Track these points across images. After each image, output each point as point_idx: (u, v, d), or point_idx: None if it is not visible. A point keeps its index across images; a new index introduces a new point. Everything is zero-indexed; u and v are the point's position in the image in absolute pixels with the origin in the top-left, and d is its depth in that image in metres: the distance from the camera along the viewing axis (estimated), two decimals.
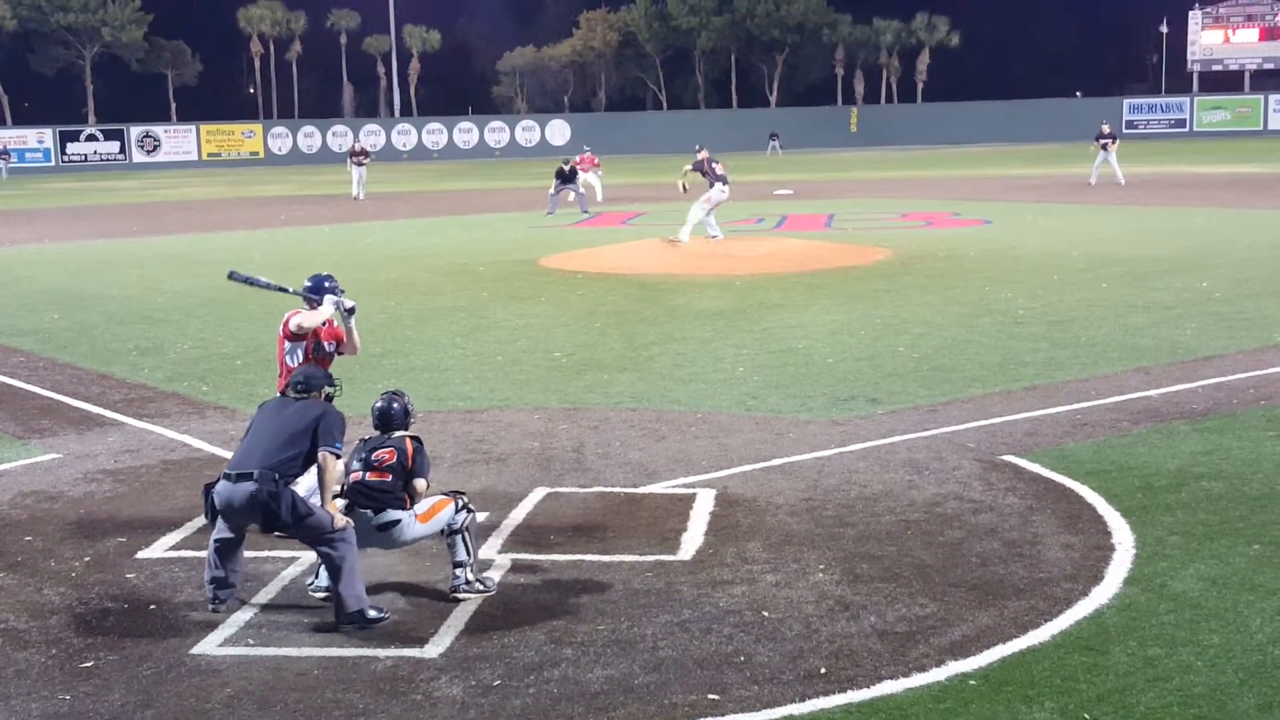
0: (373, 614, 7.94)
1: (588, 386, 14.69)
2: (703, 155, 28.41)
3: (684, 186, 29.23)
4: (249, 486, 7.96)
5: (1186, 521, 9.44)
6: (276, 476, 7.98)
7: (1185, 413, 12.75)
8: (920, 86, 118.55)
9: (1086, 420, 12.52)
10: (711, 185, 28.10)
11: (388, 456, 8.42)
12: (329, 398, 8.67)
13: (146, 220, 42.72)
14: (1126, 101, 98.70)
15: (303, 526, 8.03)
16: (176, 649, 7.60)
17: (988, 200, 41.49)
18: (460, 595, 8.31)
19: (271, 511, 7.97)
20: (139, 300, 22.86)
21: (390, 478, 8.39)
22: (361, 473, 8.41)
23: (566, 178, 40.77)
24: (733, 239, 30.23)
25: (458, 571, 8.39)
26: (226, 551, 8.21)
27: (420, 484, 8.47)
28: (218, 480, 8.17)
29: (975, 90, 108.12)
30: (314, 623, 7.96)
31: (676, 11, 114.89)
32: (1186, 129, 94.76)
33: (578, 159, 44.90)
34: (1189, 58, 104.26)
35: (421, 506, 8.50)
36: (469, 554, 8.42)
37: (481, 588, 8.41)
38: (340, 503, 8.28)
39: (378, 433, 8.68)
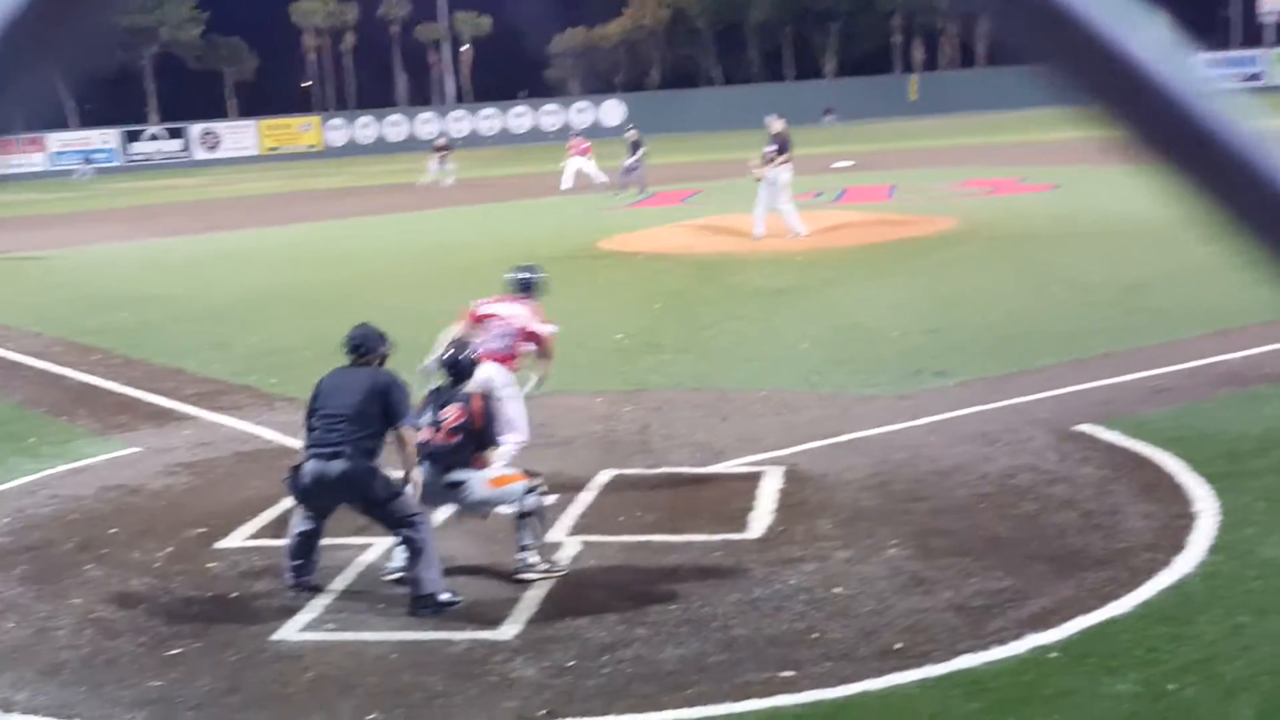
0: (445, 598, 8.04)
1: (649, 368, 14.73)
2: (778, 127, 26.08)
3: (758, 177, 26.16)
4: (341, 464, 8.01)
5: (1273, 487, 9.32)
6: (365, 453, 8.05)
7: (1268, 375, 12.55)
8: (982, 50, 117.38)
9: (1164, 386, 12.37)
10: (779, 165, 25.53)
11: (457, 416, 8.44)
12: (383, 359, 8.67)
13: (210, 217, 43.14)
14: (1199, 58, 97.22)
15: (387, 507, 8.10)
16: (258, 635, 7.73)
17: (1054, 165, 41.06)
18: (524, 577, 8.37)
19: (362, 489, 8.06)
20: (205, 296, 23.11)
21: (459, 439, 8.43)
22: (432, 432, 8.44)
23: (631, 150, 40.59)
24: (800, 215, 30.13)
25: (522, 555, 8.47)
26: (307, 543, 8.34)
27: (500, 446, 8.61)
28: (303, 461, 8.22)
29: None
30: (391, 607, 8.07)
31: None
32: (1261, 83, 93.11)
33: (569, 145, 44.32)
34: (1259, 9, 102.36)
35: (494, 471, 8.58)
36: (535, 538, 8.51)
37: (548, 568, 8.48)
38: (417, 471, 8.33)
39: (449, 379, 8.74)
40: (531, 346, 10.46)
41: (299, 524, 8.35)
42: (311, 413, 8.37)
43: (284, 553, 8.46)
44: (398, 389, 8.31)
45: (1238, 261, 0.72)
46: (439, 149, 51.11)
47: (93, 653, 7.64)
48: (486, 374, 9.86)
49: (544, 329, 10.44)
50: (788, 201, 25.42)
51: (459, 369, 8.81)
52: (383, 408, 8.18)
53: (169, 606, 8.31)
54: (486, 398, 8.71)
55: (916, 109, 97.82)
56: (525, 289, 10.80)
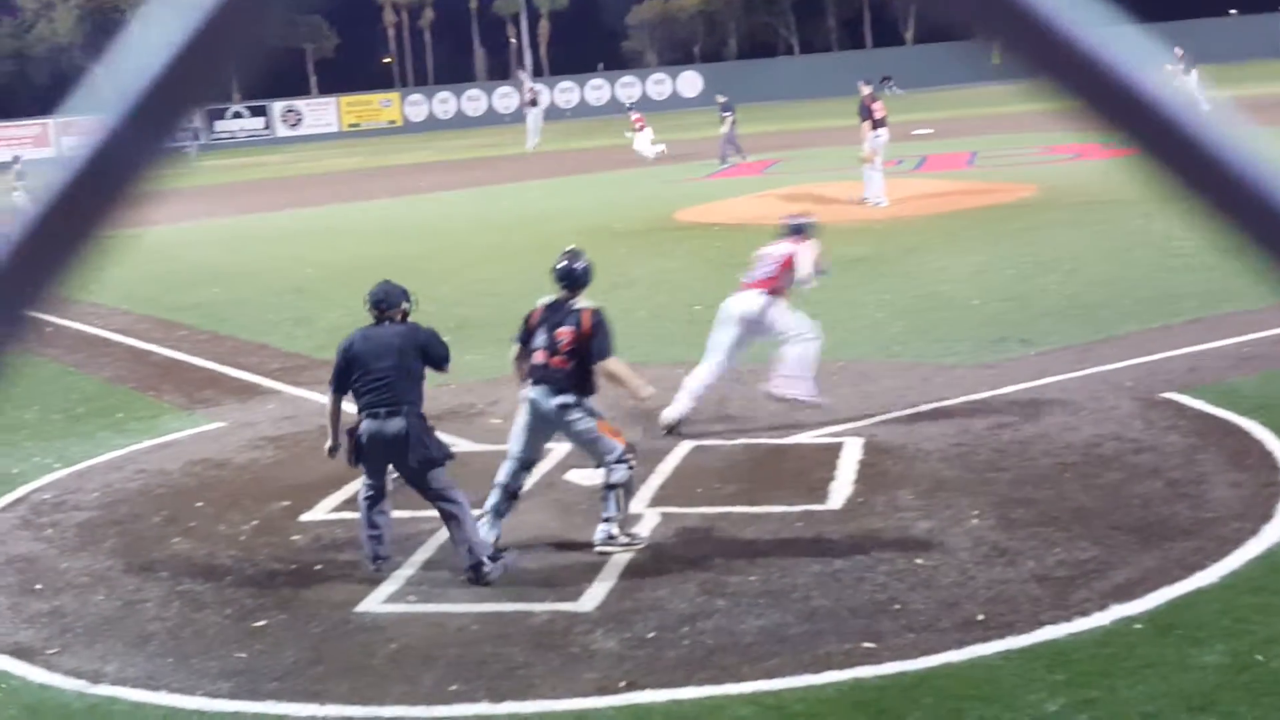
0: (488, 566, 8.04)
1: None
2: (865, 93, 25.30)
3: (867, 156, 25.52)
4: (399, 423, 8.12)
5: None
6: (418, 412, 8.20)
7: None
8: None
9: (1253, 353, 12.12)
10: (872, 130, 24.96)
11: (569, 339, 8.52)
12: (405, 314, 8.73)
13: (292, 193, 43.54)
14: None
15: (430, 473, 8.18)
16: (342, 607, 7.81)
17: None
18: (604, 550, 8.39)
19: (417, 447, 8.16)
20: (289, 272, 23.33)
21: (572, 364, 8.51)
22: (546, 355, 8.53)
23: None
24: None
25: (605, 526, 8.47)
26: (376, 509, 8.34)
27: (612, 364, 8.66)
28: (359, 423, 8.27)
29: (1129, 12, 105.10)
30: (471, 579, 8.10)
31: None
32: None
33: (630, 118, 44.17)
34: None
35: (600, 428, 8.54)
36: (618, 510, 8.50)
37: (628, 540, 8.47)
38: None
39: (564, 292, 8.76)
40: (791, 272, 11.59)
41: (363, 492, 8.42)
42: (346, 376, 8.38)
43: (359, 525, 8.51)
44: (435, 339, 8.57)
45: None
46: (532, 102, 51.55)
47: (180, 624, 7.75)
48: (748, 303, 11.32)
49: (806, 256, 11.69)
50: (873, 164, 25.15)
51: (573, 279, 8.83)
52: (424, 360, 8.39)
53: (254, 579, 8.41)
54: (596, 313, 8.70)
55: (1000, 73, 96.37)
56: (798, 231, 12.14)
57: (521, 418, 8.80)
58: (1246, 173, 0.69)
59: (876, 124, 24.95)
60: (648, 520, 8.90)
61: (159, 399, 14.01)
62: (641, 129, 42.46)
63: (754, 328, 11.25)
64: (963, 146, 39.52)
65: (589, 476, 9.83)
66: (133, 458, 11.69)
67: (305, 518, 9.54)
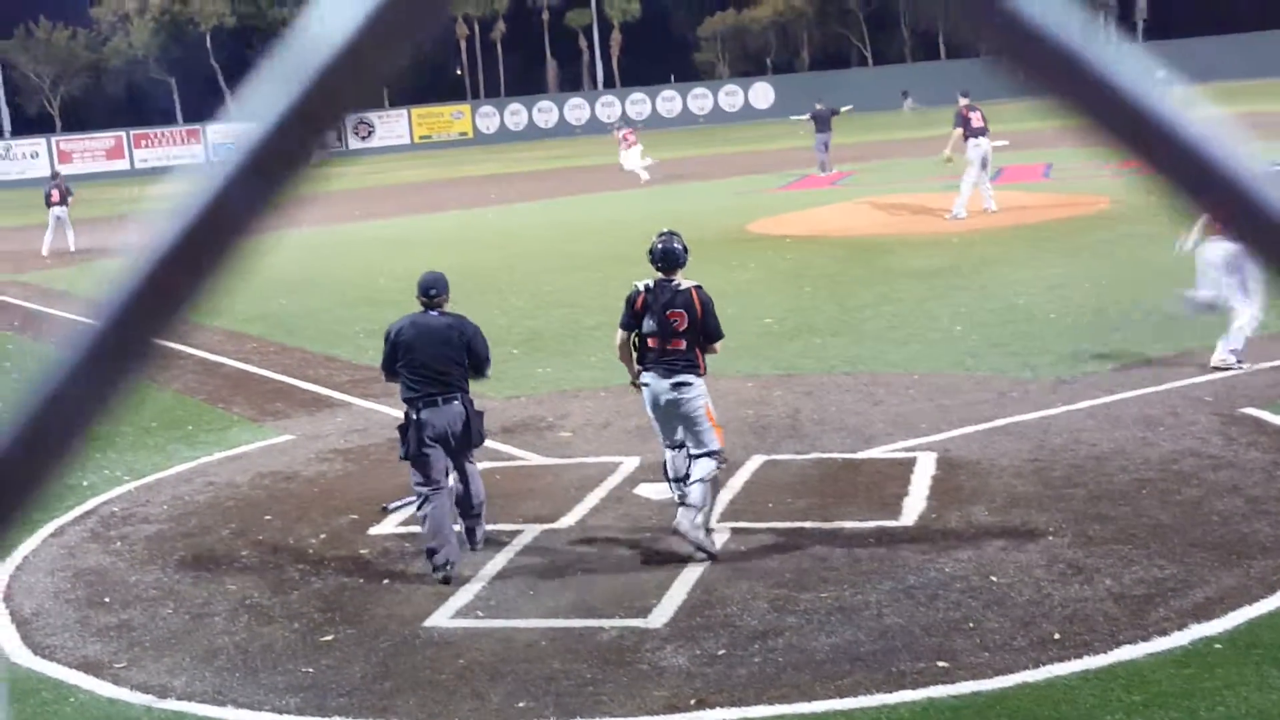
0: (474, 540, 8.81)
1: (800, 352, 14.61)
2: (962, 104, 25.37)
3: (948, 157, 26.13)
4: (458, 407, 8.61)
5: None
6: (468, 395, 8.72)
7: None
8: (1140, 25, 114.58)
9: None
10: (965, 140, 25.01)
11: (680, 322, 8.73)
12: (447, 302, 9.09)
13: (365, 204, 43.89)
14: None
15: (471, 451, 8.83)
16: (410, 622, 7.81)
17: None
18: (684, 534, 8.34)
19: (473, 428, 8.67)
20: (361, 283, 23.50)
21: (685, 345, 8.74)
22: (659, 340, 8.75)
23: (822, 125, 39.53)
24: (944, 195, 29.66)
25: (688, 513, 8.44)
26: (439, 513, 8.51)
27: (718, 345, 8.95)
28: (414, 413, 8.56)
29: (1201, 25, 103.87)
30: (540, 595, 8.10)
31: None
32: None
33: (619, 136, 42.84)
34: None
35: (709, 415, 8.77)
36: (704, 501, 8.51)
37: (705, 543, 8.42)
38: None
39: (660, 274, 8.92)
40: None
41: (426, 487, 8.61)
42: (396, 363, 8.74)
43: (425, 537, 8.58)
44: (480, 336, 8.91)
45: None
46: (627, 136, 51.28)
47: (248, 639, 7.79)
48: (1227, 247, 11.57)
49: None
50: (968, 176, 25.02)
51: (672, 258, 8.97)
52: (468, 354, 8.76)
53: (322, 593, 8.44)
54: (702, 291, 8.91)
55: None
56: None
57: (647, 406, 9.01)
58: (1246, 181, 0.70)
59: (974, 133, 24.76)
60: (718, 535, 8.85)
61: (228, 411, 14.14)
62: (630, 146, 41.51)
63: (1232, 269, 11.78)
64: (1038, 158, 39.12)
65: (659, 491, 9.83)
66: (202, 470, 11.79)
67: (374, 531, 9.57)
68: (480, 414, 8.88)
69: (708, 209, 30.68)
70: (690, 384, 8.71)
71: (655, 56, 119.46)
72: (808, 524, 8.95)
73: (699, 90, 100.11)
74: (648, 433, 10.99)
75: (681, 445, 8.91)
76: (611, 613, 7.72)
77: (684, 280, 8.97)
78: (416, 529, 9.52)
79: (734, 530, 8.94)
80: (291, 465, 11.69)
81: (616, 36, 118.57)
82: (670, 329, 8.75)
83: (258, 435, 12.93)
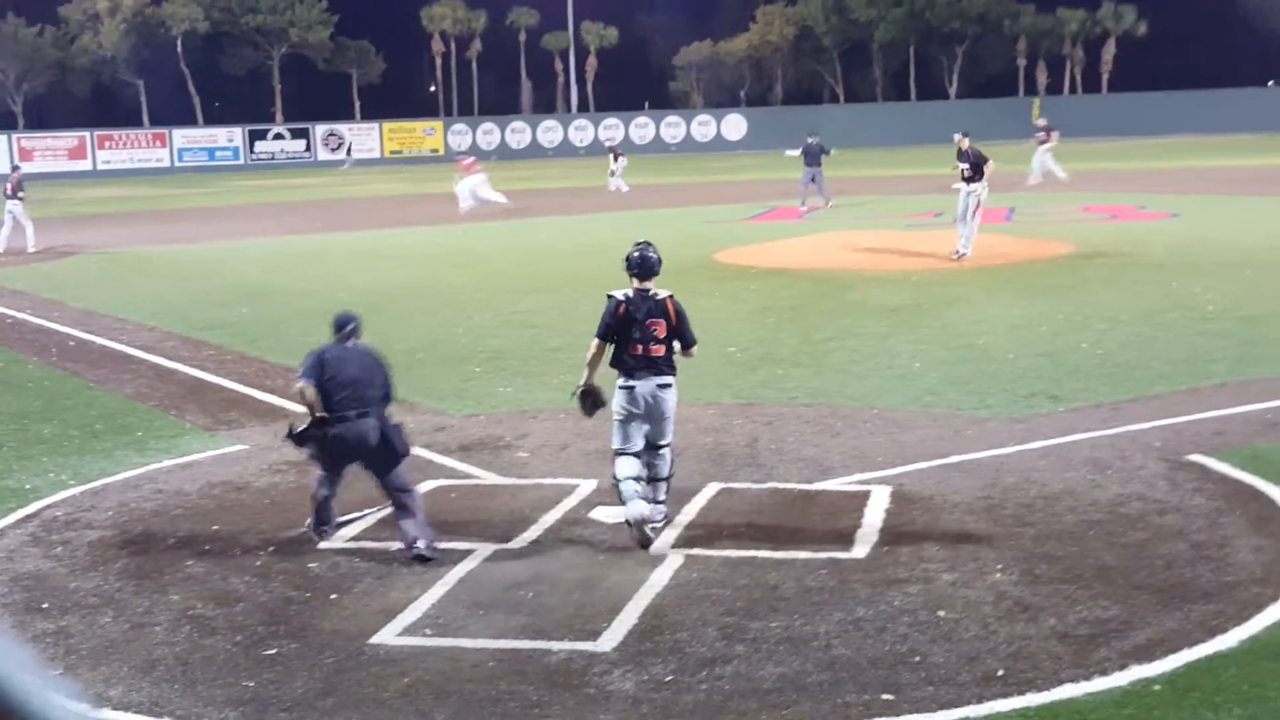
0: (429, 552, 9.05)
1: (762, 382, 14.66)
2: (965, 144, 24.63)
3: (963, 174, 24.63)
4: (373, 422, 9.29)
5: None
6: (386, 415, 9.45)
7: None
8: (1105, 77, 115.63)
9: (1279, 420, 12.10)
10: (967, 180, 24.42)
11: (660, 330, 9.49)
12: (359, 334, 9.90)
13: (331, 217, 43.79)
14: None
15: (398, 469, 9.38)
16: (356, 638, 7.77)
17: (1175, 193, 40.30)
18: (654, 528, 9.32)
19: (390, 443, 9.35)
20: (324, 295, 23.39)
21: (665, 350, 9.54)
22: (642, 345, 9.46)
23: (811, 160, 39.21)
24: (909, 233, 29.88)
25: (659, 507, 9.53)
26: (331, 504, 9.60)
27: (694, 350, 9.75)
28: (328, 424, 9.26)
29: (1163, 80, 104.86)
30: (490, 614, 8.08)
31: (854, 4, 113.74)
32: None
33: (456, 163, 42.36)
34: None
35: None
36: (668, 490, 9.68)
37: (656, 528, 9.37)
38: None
39: (635, 282, 9.58)
40: None
41: (330, 486, 9.53)
42: (324, 381, 9.40)
43: (315, 512, 9.60)
44: (389, 369, 9.75)
45: None
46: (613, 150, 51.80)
47: (188, 650, 7.72)
48: None
49: None
50: (971, 217, 24.51)
51: (647, 267, 9.62)
52: (383, 380, 9.57)
53: (268, 606, 8.38)
54: (676, 300, 9.59)
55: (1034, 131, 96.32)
56: None
57: (619, 411, 9.52)
58: None
59: (977, 175, 23.97)
60: (671, 561, 8.86)
61: (181, 419, 14.04)
62: (470, 174, 41.06)
63: None
64: (1002, 201, 39.42)
65: (614, 514, 9.84)
66: (151, 477, 11.70)
67: (324, 545, 9.52)
68: (397, 426, 9.56)
69: (676, 237, 30.71)
70: (671, 385, 9.60)
71: (630, 83, 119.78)
72: (761, 552, 8.97)
73: (672, 118, 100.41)
74: (606, 456, 10.99)
75: (636, 454, 9.54)
76: (561, 635, 7.71)
77: (659, 290, 9.62)
78: (367, 544, 9.50)
79: (687, 556, 8.95)
80: (243, 475, 11.62)
81: (593, 62, 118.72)
82: (651, 336, 9.48)
83: (210, 444, 12.86)
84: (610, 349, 9.60)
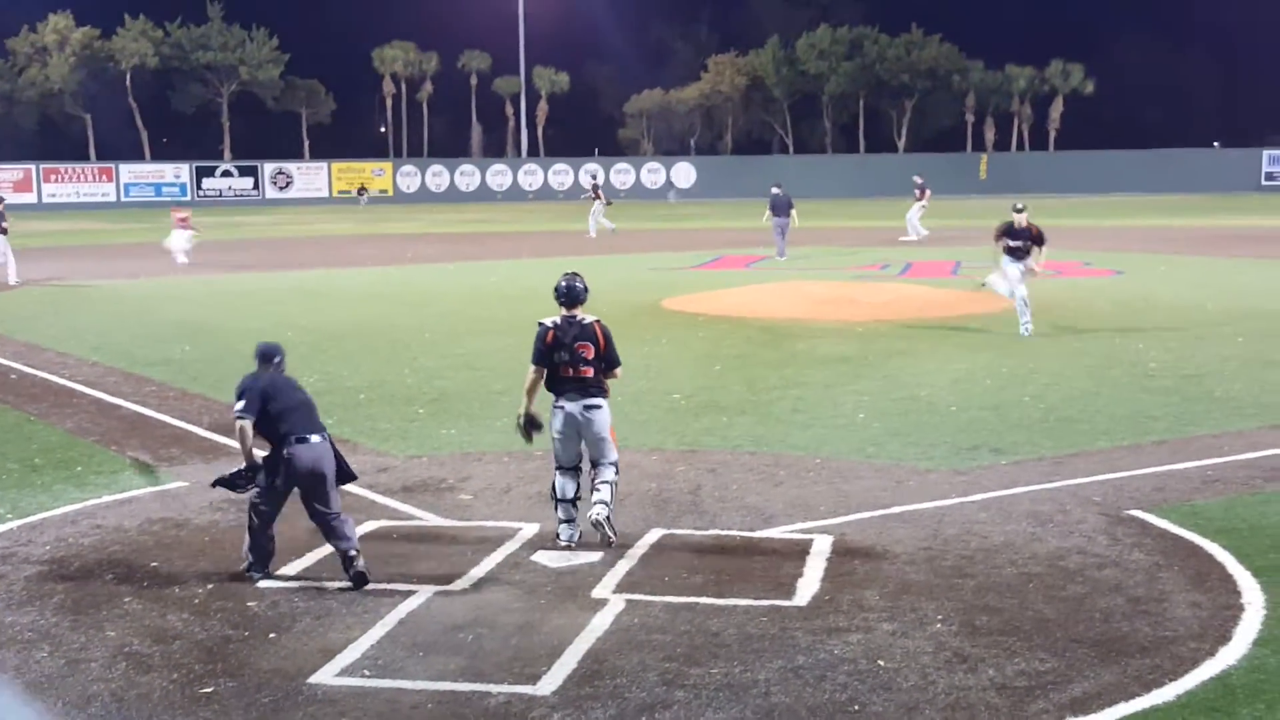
0: (365, 568, 9.34)
1: (706, 429, 14.71)
2: (1024, 220, 22.05)
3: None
4: (325, 444, 9.53)
5: None
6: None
7: None
8: (1053, 134, 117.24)
9: (1218, 477, 12.26)
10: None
11: (588, 352, 10.19)
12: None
13: (278, 255, 43.64)
14: (1266, 153, 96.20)
15: (334, 492, 9.54)
16: (294, 677, 7.73)
17: (1120, 251, 40.86)
18: (599, 522, 10.02)
19: (340, 463, 9.58)
20: (269, 333, 23.12)
21: (592, 372, 10.23)
22: (571, 368, 10.19)
23: (780, 210, 39.44)
24: (855, 284, 30.10)
25: (603, 509, 10.09)
26: (269, 527, 9.62)
27: (619, 371, 10.46)
28: (281, 448, 9.45)
29: (1110, 139, 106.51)
30: (430, 655, 8.05)
31: (805, 56, 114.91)
32: None
33: (174, 216, 41.19)
34: None
35: (610, 431, 10.42)
36: (613, 500, 10.29)
37: (611, 534, 10.16)
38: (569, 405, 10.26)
39: (563, 310, 10.30)
40: None
41: (270, 516, 9.58)
42: (270, 409, 9.53)
43: (253, 547, 9.58)
44: (310, 397, 9.95)
45: None
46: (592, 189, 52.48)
47: (124, 687, 7.65)
48: None
49: None
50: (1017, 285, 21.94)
51: (574, 295, 10.34)
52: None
53: (205, 644, 8.32)
54: (603, 324, 10.32)
55: (986, 187, 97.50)
56: None
57: (556, 430, 10.32)
58: None
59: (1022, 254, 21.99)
60: (613, 605, 8.87)
61: (121, 454, 13.93)
62: (183, 228, 39.87)
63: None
64: (948, 255, 39.85)
65: (556, 558, 9.86)
66: (90, 512, 11.60)
67: (263, 584, 9.46)
68: (336, 450, 9.75)
69: (624, 283, 30.87)
70: (600, 405, 10.27)
71: (581, 129, 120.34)
72: (702, 599, 8.99)
73: (622, 165, 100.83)
74: (548, 500, 11.02)
75: (574, 469, 10.37)
76: (500, 678, 7.70)
77: (586, 315, 10.36)
78: (309, 583, 9.45)
79: (629, 602, 8.96)
80: (184, 512, 11.55)
81: (544, 106, 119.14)
82: (580, 359, 10.21)
83: (151, 480, 12.77)
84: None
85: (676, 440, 14.18)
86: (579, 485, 10.45)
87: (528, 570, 9.72)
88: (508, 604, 8.97)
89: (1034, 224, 22.19)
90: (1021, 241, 21.89)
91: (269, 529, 9.63)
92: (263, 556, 9.61)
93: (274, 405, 9.53)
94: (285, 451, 9.44)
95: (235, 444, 14.05)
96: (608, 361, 10.37)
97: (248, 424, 9.51)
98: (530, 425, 10.60)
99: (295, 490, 9.57)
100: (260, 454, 9.71)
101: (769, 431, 14.54)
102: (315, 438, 9.52)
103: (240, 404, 9.59)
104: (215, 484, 9.95)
